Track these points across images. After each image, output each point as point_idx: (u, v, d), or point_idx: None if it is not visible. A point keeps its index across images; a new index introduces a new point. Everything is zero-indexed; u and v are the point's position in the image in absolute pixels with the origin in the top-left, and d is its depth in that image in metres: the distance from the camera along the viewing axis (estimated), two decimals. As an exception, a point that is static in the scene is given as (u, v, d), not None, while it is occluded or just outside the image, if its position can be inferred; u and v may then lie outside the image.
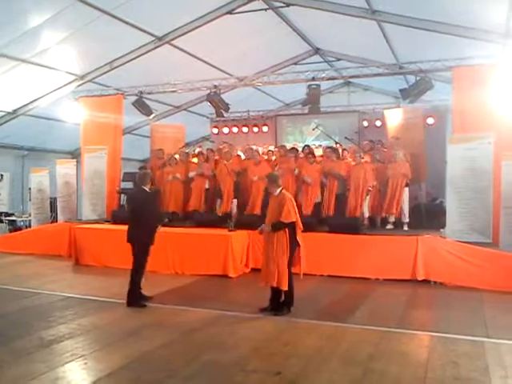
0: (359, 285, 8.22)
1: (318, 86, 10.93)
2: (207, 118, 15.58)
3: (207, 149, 12.73)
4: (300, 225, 6.30)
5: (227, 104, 11.81)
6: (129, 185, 11.98)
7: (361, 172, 9.91)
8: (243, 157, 12.01)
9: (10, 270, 9.58)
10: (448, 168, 9.15)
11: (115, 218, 10.61)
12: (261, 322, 6.06)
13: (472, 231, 8.57)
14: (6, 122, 13.03)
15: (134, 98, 12.13)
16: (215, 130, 15.55)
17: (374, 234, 9.11)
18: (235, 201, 10.97)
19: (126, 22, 10.05)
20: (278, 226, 6.18)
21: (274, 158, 11.41)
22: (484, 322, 6.06)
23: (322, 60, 14.10)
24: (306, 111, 12.46)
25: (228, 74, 13.02)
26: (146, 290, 6.97)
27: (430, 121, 12.11)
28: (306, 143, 12.83)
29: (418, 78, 9.99)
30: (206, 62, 12.66)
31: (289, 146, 12.30)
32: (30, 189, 13.35)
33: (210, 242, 9.13)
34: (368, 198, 9.97)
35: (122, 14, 9.68)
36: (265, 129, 15.08)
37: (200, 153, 12.20)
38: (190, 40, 11.12)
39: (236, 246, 8.98)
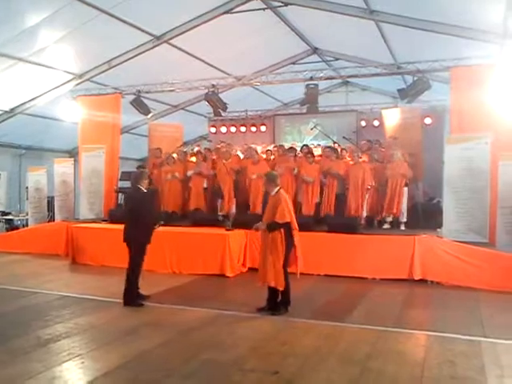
0: (356, 284, 8.23)
1: (316, 85, 10.95)
2: (205, 117, 15.59)
3: (205, 148, 12.74)
4: (295, 225, 6.28)
5: (225, 103, 11.80)
6: (126, 184, 11.92)
7: (359, 171, 9.92)
8: (241, 156, 12.02)
9: (6, 269, 9.57)
10: (445, 168, 9.17)
11: (113, 217, 10.59)
12: (258, 321, 6.06)
13: (469, 231, 8.59)
14: (3, 121, 13.00)
15: (132, 97, 12.12)
16: (213, 130, 15.54)
17: (371, 233, 9.12)
18: (234, 200, 10.96)
19: (124, 21, 10.05)
20: (272, 226, 6.19)
21: (272, 157, 11.42)
22: (480, 321, 6.08)
23: (320, 60, 14.12)
24: (304, 111, 12.48)
25: (226, 73, 13.02)
26: (143, 289, 6.96)
27: (428, 121, 12.14)
28: (305, 143, 12.84)
29: (415, 78, 10.02)
30: (204, 61, 12.67)
31: (287, 145, 12.30)
32: (27, 188, 13.34)
33: (207, 241, 9.12)
34: (366, 197, 9.98)
35: (120, 13, 9.67)
36: (263, 128, 15.10)
37: (198, 152, 12.19)
38: (188, 39, 11.12)
39: (233, 245, 8.98)
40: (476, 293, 7.51)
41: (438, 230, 8.94)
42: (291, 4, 10.11)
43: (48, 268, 9.63)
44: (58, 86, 12.35)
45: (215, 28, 10.73)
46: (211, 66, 12.94)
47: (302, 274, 6.39)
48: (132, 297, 6.72)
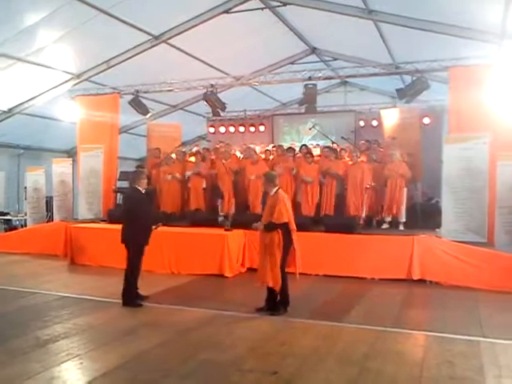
0: (355, 284, 8.23)
1: (315, 85, 10.94)
2: (204, 117, 15.58)
3: (203, 148, 12.73)
4: (293, 225, 6.26)
5: (224, 103, 11.80)
6: (125, 184, 11.95)
7: (358, 172, 9.93)
8: (239, 155, 12.02)
9: (5, 269, 9.55)
10: (444, 168, 9.17)
11: (111, 217, 10.57)
12: (257, 321, 6.06)
13: (467, 231, 8.60)
14: (1, 121, 12.97)
15: (131, 96, 12.10)
16: (212, 130, 15.54)
17: (370, 233, 9.12)
18: (233, 200, 10.95)
19: (123, 21, 10.04)
20: (269, 227, 6.19)
21: (271, 157, 11.42)
22: (479, 321, 6.08)
23: (319, 59, 14.12)
24: (303, 111, 12.48)
25: (225, 73, 13.02)
26: (141, 290, 6.95)
27: (426, 121, 12.15)
28: (303, 143, 12.83)
29: (414, 78, 10.02)
30: (202, 61, 12.66)
31: (286, 145, 12.30)
32: (25, 188, 13.30)
33: (206, 241, 9.12)
34: (365, 197, 9.97)
35: (119, 12, 9.66)
36: (261, 128, 15.09)
37: (197, 152, 12.18)
38: (187, 39, 11.12)
39: (232, 245, 8.98)
40: (475, 293, 7.52)
41: (437, 229, 8.94)
42: (290, 4, 10.11)
43: (47, 268, 9.62)
44: (57, 86, 12.33)
45: (214, 28, 10.73)
46: (210, 65, 12.94)
47: (300, 274, 6.39)
48: (131, 297, 6.72)
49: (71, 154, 15.19)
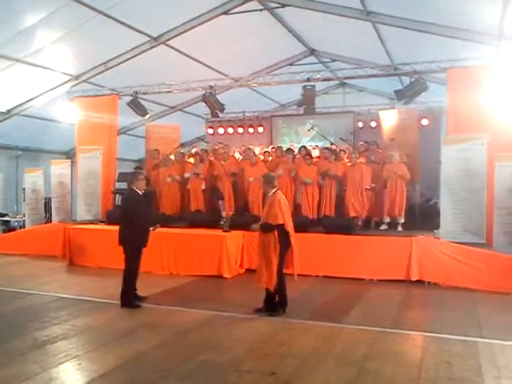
0: (353, 285, 8.24)
1: (313, 86, 10.94)
2: (202, 118, 15.59)
3: (201, 149, 12.71)
4: (288, 227, 6.21)
5: (222, 104, 11.80)
6: (124, 185, 11.92)
7: (357, 173, 9.93)
8: (237, 156, 12.02)
9: (3, 270, 9.55)
10: (442, 169, 9.18)
11: (110, 219, 10.56)
12: (256, 322, 6.06)
13: (466, 232, 8.60)
14: (0, 122, 12.97)
15: (129, 98, 12.10)
16: (210, 131, 15.56)
17: (369, 234, 9.13)
18: (232, 201, 10.92)
19: (121, 22, 10.03)
20: (266, 228, 6.20)
21: (270, 158, 11.41)
22: (477, 322, 6.09)
23: (317, 61, 14.14)
24: (302, 112, 12.47)
25: (223, 74, 13.02)
26: (140, 291, 6.95)
27: (425, 122, 12.15)
28: (302, 144, 12.84)
29: (412, 80, 10.03)
30: (201, 62, 12.66)
31: (285, 146, 12.30)
32: (24, 189, 13.29)
33: (204, 242, 9.12)
34: (365, 198, 9.97)
35: (117, 14, 9.66)
36: (260, 129, 15.11)
37: (196, 153, 12.18)
38: (186, 40, 11.12)
39: (231, 246, 8.98)
40: (473, 293, 7.53)
41: (435, 230, 8.96)
42: (288, 5, 10.12)
43: (45, 269, 9.62)
44: (55, 88, 12.32)
45: (212, 29, 10.73)
46: (208, 67, 12.93)
47: (299, 275, 6.40)
48: (129, 298, 6.71)
49: (70, 155, 15.19)
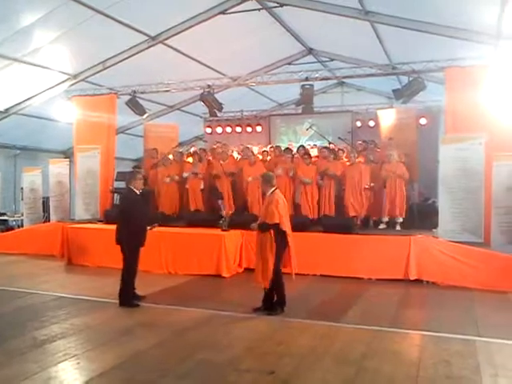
0: (352, 284, 8.25)
1: (312, 86, 10.96)
2: (201, 117, 15.56)
3: (200, 148, 12.71)
4: (285, 226, 6.20)
5: (221, 104, 11.81)
6: (122, 184, 11.91)
7: (356, 172, 9.95)
8: (235, 156, 12.02)
9: (2, 270, 9.55)
10: (440, 168, 9.21)
11: (108, 218, 10.55)
12: (254, 321, 6.07)
13: (464, 231, 8.62)
14: (-2, 121, 12.98)
15: (128, 97, 12.09)
16: (209, 130, 15.54)
17: (367, 233, 9.14)
18: (231, 201, 10.92)
19: (120, 22, 10.03)
20: (262, 227, 6.22)
21: (268, 158, 11.42)
22: (475, 321, 6.10)
23: (316, 60, 14.13)
24: (300, 111, 12.50)
25: (221, 73, 13.02)
26: (139, 290, 6.95)
27: (423, 121, 12.18)
28: (300, 143, 12.84)
29: (410, 79, 10.05)
30: (199, 61, 12.66)
31: (283, 146, 12.30)
32: (22, 188, 13.29)
33: (203, 241, 9.12)
34: (364, 197, 9.98)
35: (115, 13, 9.65)
36: (258, 129, 15.09)
37: (195, 152, 12.18)
38: (184, 40, 11.11)
39: (229, 245, 8.98)
40: (471, 292, 7.55)
41: (434, 230, 8.98)
42: (286, 5, 10.12)
43: (43, 269, 9.61)
44: (53, 87, 12.31)
45: (211, 28, 10.73)
46: (207, 66, 12.94)
47: (297, 274, 6.40)
48: (127, 297, 6.71)
49: (68, 154, 15.16)
